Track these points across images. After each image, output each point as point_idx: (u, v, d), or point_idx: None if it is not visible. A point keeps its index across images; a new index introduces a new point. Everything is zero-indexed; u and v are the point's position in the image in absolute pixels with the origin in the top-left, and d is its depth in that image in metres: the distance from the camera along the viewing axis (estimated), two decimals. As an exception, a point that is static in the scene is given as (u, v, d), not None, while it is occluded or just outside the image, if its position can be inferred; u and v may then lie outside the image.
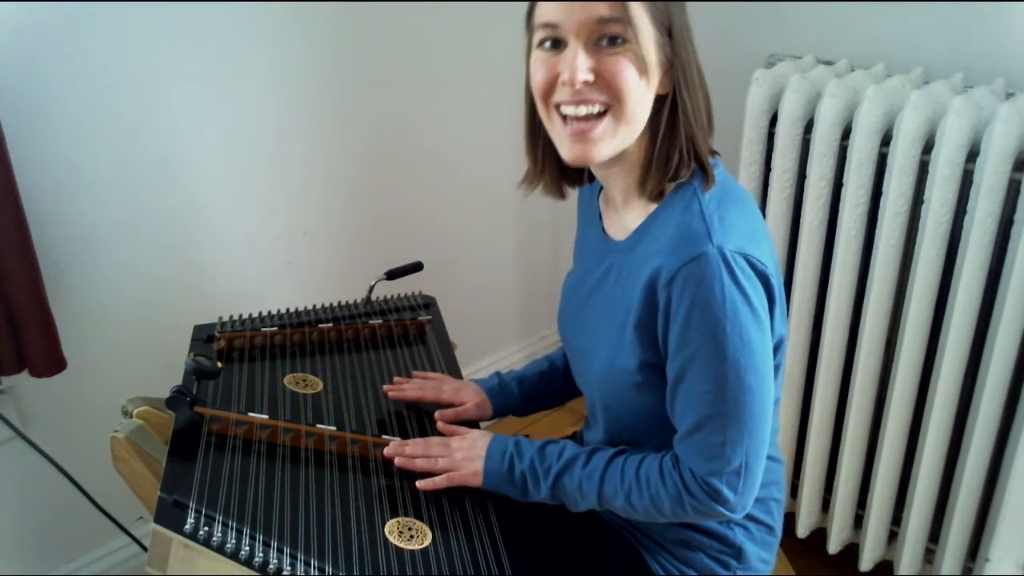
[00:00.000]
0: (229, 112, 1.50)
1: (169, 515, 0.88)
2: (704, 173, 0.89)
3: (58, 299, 1.34)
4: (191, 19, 1.40)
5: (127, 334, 1.49)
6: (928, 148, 1.28)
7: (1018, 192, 1.24)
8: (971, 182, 1.25)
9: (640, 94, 0.85)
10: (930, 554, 1.51)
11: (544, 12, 0.85)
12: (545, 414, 1.94)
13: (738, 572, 1.03)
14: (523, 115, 0.96)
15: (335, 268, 1.76)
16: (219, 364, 1.11)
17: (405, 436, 1.06)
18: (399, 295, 1.40)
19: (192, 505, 0.89)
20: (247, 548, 0.84)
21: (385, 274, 1.35)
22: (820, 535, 1.64)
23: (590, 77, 0.83)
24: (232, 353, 1.20)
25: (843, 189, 1.37)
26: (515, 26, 0.93)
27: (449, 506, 0.95)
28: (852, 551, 1.60)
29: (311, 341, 1.25)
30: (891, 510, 1.52)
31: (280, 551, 0.84)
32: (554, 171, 0.99)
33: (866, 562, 1.56)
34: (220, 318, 1.26)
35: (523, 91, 0.94)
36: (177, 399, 1.01)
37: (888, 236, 1.34)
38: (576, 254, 1.10)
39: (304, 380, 1.16)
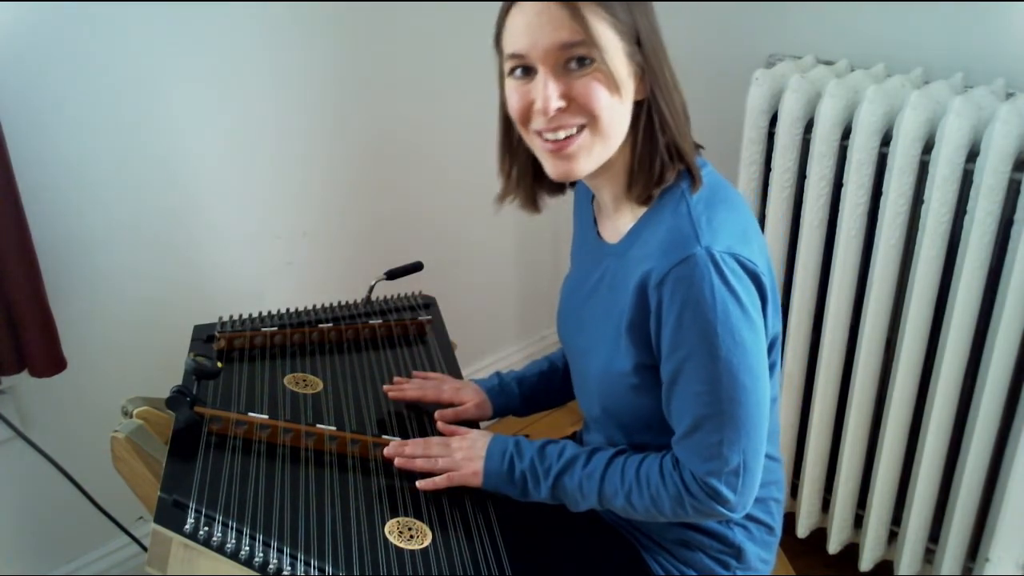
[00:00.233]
0: (229, 112, 1.50)
1: (169, 515, 0.88)
2: (691, 174, 0.90)
3: (58, 299, 1.34)
4: (191, 19, 1.40)
5: (127, 334, 1.49)
6: (928, 148, 1.28)
7: (1018, 192, 1.24)
8: (971, 182, 1.25)
9: (614, 110, 0.85)
10: (930, 554, 1.51)
11: (510, 42, 0.85)
12: (545, 414, 1.94)
13: (738, 572, 1.03)
14: (497, 134, 0.97)
15: (335, 268, 1.76)
16: (219, 364, 1.11)
17: (405, 436, 1.06)
18: (399, 295, 1.40)
19: (192, 505, 0.89)
20: (247, 548, 0.84)
21: (385, 274, 1.35)
22: (820, 535, 1.64)
23: (562, 104, 0.84)
24: (232, 353, 1.20)
25: (843, 189, 1.37)
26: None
27: (449, 506, 0.95)
28: (852, 551, 1.60)
29: (311, 341, 1.25)
30: (891, 510, 1.52)
31: (280, 551, 0.85)
32: (529, 186, 0.99)
33: (866, 562, 1.56)
34: (220, 318, 1.26)
35: None
36: (177, 399, 1.01)
37: (888, 236, 1.34)
38: (573, 257, 1.11)
39: (304, 380, 1.16)
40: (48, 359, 1.31)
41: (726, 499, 0.88)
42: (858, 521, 1.58)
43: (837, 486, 1.53)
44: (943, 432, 1.39)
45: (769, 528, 1.05)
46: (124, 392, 1.12)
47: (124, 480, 1.04)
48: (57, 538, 1.53)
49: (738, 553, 1.02)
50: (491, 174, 1.03)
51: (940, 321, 1.34)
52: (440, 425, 1.08)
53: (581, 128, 0.85)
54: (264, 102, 1.54)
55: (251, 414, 1.03)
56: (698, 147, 0.93)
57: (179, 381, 1.10)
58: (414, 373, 1.19)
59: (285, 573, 0.82)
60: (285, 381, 1.15)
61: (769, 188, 1.47)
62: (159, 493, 0.91)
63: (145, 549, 1.50)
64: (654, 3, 0.89)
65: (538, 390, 1.19)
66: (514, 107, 0.88)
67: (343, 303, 1.35)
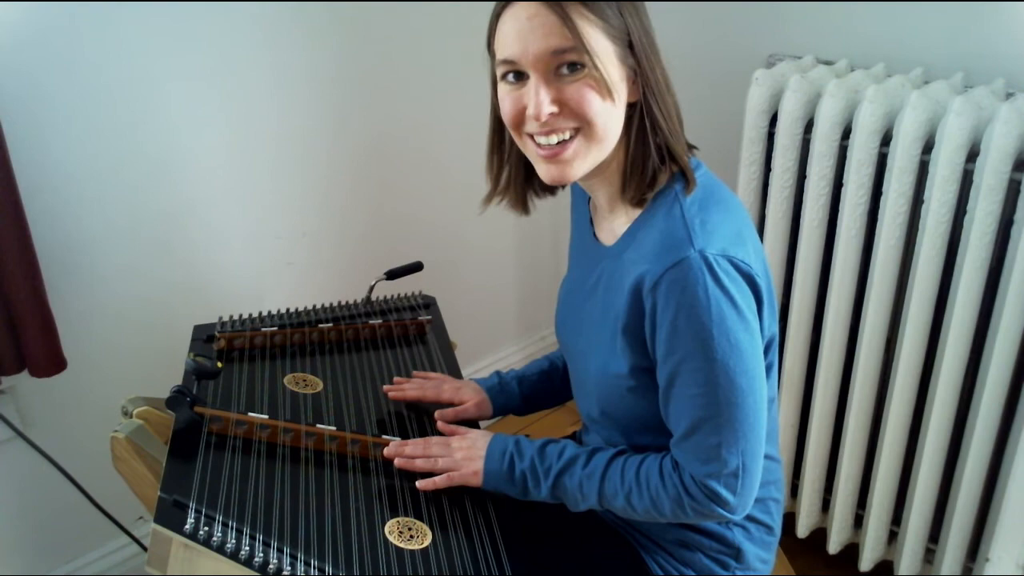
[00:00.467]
0: (229, 112, 1.50)
1: (169, 515, 0.88)
2: (684, 176, 0.90)
3: (58, 299, 1.34)
4: (190, 19, 1.40)
5: (127, 334, 1.49)
6: (928, 148, 1.28)
7: (1018, 192, 1.24)
8: (971, 182, 1.25)
9: (607, 114, 0.85)
10: (930, 554, 1.51)
11: (501, 48, 0.85)
12: (545, 414, 1.94)
13: (737, 572, 1.03)
14: (487, 137, 0.98)
15: (335, 268, 1.76)
16: (219, 364, 1.12)
17: (405, 436, 1.06)
18: (399, 295, 1.40)
19: (192, 505, 0.89)
20: (247, 548, 0.84)
21: (385, 274, 1.35)
22: (820, 535, 1.64)
23: (554, 109, 0.84)
24: (232, 353, 1.20)
25: (843, 189, 1.37)
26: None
27: (449, 506, 0.95)
28: (852, 551, 1.60)
29: (311, 341, 1.25)
30: (891, 510, 1.52)
31: (280, 551, 0.85)
32: (520, 187, 0.99)
33: (866, 562, 1.56)
34: (220, 318, 1.26)
35: None
36: (177, 399, 1.01)
37: (888, 236, 1.34)
38: (571, 258, 1.10)
39: (304, 380, 1.16)
40: (48, 359, 1.31)
41: (725, 501, 0.88)
42: (858, 521, 1.58)
43: (837, 486, 1.53)
44: (943, 432, 1.39)
45: (768, 528, 1.05)
46: (124, 392, 1.12)
47: (124, 480, 1.04)
48: (57, 538, 1.53)
49: (737, 553, 1.02)
50: (491, 174, 1.04)
51: (940, 321, 1.34)
52: (440, 425, 1.08)
53: (574, 134, 0.85)
54: (264, 102, 1.54)
55: (251, 414, 1.03)
56: (692, 148, 0.93)
57: (179, 381, 1.10)
58: (414, 373, 1.19)
59: (285, 573, 0.82)
60: (285, 381, 1.15)
61: (769, 188, 1.47)
62: (159, 493, 0.91)
63: (145, 549, 1.51)
64: (652, 3, 0.88)
65: (538, 389, 1.19)
66: (507, 112, 0.88)
67: (343, 303, 1.35)
